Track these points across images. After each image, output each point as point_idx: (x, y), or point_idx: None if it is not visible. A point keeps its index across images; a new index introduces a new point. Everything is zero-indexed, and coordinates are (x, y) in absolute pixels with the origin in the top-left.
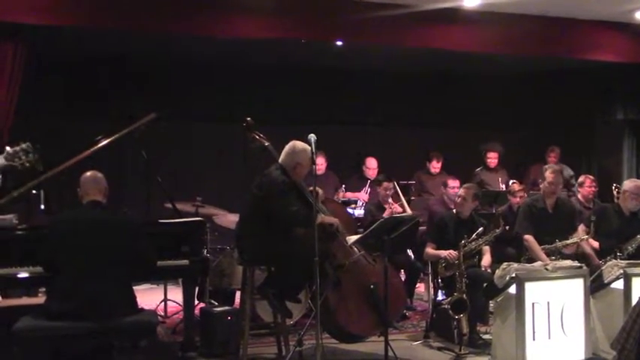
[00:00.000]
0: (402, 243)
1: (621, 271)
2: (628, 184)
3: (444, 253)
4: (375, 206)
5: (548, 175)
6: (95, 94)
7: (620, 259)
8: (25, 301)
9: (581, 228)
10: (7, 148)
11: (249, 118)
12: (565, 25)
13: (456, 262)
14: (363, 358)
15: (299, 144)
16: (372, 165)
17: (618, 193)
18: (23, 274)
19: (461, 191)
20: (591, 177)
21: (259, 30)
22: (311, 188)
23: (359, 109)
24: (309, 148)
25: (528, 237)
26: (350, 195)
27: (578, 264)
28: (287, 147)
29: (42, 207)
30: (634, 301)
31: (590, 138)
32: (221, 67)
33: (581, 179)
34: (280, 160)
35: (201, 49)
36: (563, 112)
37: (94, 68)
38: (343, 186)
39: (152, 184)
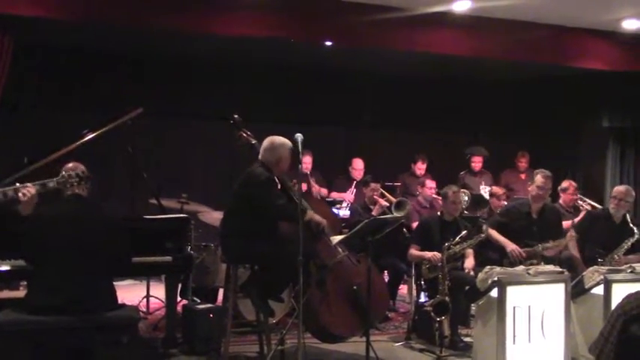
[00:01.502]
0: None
1: (602, 277)
2: (616, 188)
3: (428, 254)
4: (362, 207)
5: (539, 179)
6: (83, 88)
7: (601, 265)
8: (6, 294)
9: (571, 233)
10: (63, 172)
11: (236, 116)
12: (553, 33)
13: (440, 264)
14: (344, 358)
15: (277, 139)
16: (358, 166)
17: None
18: (4, 267)
19: (452, 196)
20: (575, 183)
21: (249, 28)
22: (294, 182)
23: (346, 110)
24: (288, 141)
25: (491, 230)
26: (335, 195)
27: (560, 269)
28: (266, 143)
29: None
30: (614, 307)
31: (576, 145)
32: (210, 64)
33: (564, 185)
34: (261, 156)
35: (191, 46)
36: (549, 119)
37: (83, 62)
38: (312, 176)
39: (138, 179)
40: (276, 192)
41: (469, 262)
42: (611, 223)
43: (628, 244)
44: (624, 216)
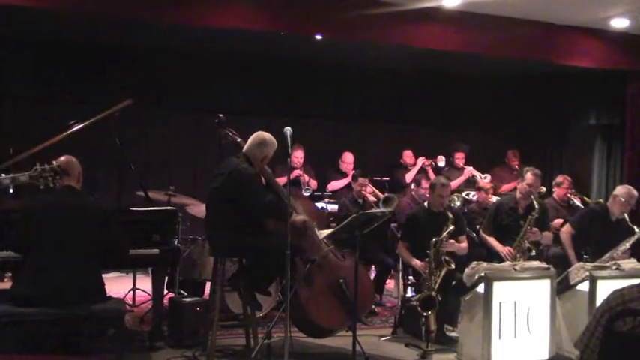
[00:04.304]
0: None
1: (587, 274)
2: (620, 189)
3: (413, 261)
4: (350, 201)
5: (529, 177)
6: (71, 79)
7: (586, 261)
8: None
9: (566, 228)
10: (37, 166)
11: (221, 115)
12: (542, 30)
13: (427, 271)
14: (331, 352)
15: (267, 136)
16: (347, 159)
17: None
18: None
19: (439, 189)
20: (569, 178)
21: (240, 21)
22: (281, 180)
23: (336, 103)
24: (275, 141)
25: (485, 236)
26: (335, 184)
27: (546, 265)
28: (255, 138)
29: (11, 191)
30: (598, 303)
31: (563, 141)
32: (199, 57)
33: (559, 179)
34: (247, 150)
35: (181, 38)
36: (536, 115)
37: (70, 53)
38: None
39: (125, 171)
40: (262, 189)
41: (461, 247)
42: (607, 221)
43: (628, 243)
44: (622, 214)
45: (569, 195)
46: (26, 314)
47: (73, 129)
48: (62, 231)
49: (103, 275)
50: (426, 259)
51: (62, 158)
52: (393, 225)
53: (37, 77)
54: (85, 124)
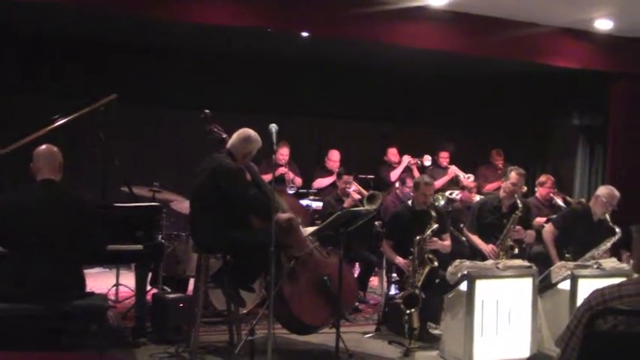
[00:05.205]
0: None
1: (568, 273)
2: (602, 190)
3: (397, 259)
4: (335, 199)
5: (513, 176)
6: (56, 74)
7: (567, 260)
8: None
9: (548, 227)
10: None
11: (207, 111)
12: (527, 30)
13: (410, 269)
14: (314, 348)
15: (252, 133)
16: (334, 157)
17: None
18: None
19: (423, 188)
20: (552, 178)
21: (227, 17)
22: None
23: (322, 101)
24: (260, 139)
25: (469, 234)
26: (320, 181)
27: (528, 263)
28: (241, 134)
29: None
30: (579, 302)
31: (546, 141)
32: (185, 53)
33: (542, 179)
34: (231, 145)
35: (166, 35)
36: (521, 115)
37: (56, 47)
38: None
39: (109, 167)
40: (248, 184)
41: (445, 245)
42: (589, 221)
43: (609, 243)
44: (604, 215)
45: (551, 194)
46: (7, 310)
47: (57, 123)
48: (42, 226)
49: (86, 271)
50: (410, 257)
51: (42, 147)
52: (377, 223)
53: (21, 71)
54: (69, 118)
